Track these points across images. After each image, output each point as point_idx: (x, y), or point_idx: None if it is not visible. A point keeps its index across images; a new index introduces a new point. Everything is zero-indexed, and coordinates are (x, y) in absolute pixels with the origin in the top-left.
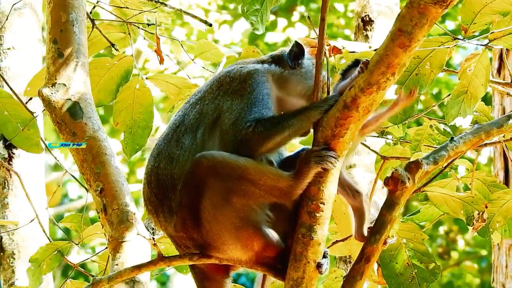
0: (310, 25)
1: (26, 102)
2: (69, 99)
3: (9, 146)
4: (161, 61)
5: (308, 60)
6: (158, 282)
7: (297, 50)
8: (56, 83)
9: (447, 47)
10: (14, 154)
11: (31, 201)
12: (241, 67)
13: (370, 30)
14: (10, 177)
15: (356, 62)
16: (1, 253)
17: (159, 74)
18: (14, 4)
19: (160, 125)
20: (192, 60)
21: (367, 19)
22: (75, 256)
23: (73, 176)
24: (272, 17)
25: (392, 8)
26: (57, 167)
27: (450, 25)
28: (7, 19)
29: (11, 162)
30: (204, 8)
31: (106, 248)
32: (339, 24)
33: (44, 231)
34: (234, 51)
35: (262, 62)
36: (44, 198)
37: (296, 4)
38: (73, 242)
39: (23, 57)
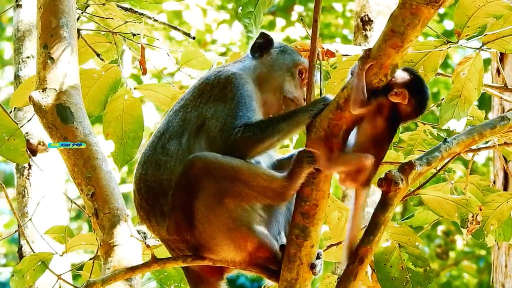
0: (304, 26)
1: (10, 112)
2: (60, 103)
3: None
4: (144, 72)
5: (276, 49)
6: (158, 282)
7: (262, 41)
8: (46, 87)
9: (441, 50)
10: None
11: (15, 212)
12: (219, 73)
13: (370, 30)
14: (30, 186)
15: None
16: None
17: (147, 85)
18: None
19: None
20: (179, 68)
21: (367, 19)
22: (74, 255)
23: (65, 195)
24: (270, 17)
25: (392, 8)
26: None
27: (449, 25)
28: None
29: (30, 170)
30: (203, 8)
31: (90, 259)
32: (338, 24)
33: (28, 242)
34: (222, 58)
35: (239, 61)
36: (63, 202)
37: (294, 4)
38: (57, 253)
39: None
